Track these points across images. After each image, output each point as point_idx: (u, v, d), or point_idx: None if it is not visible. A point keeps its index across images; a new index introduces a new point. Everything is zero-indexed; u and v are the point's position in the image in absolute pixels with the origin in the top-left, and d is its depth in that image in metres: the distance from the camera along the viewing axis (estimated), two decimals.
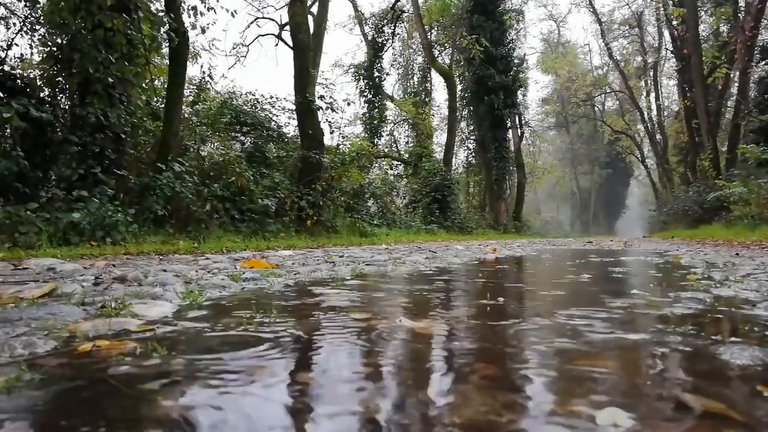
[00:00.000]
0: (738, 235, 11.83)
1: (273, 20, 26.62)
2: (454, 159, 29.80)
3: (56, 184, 7.45)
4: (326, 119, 14.01)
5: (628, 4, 33.68)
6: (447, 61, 29.08)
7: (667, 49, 33.49)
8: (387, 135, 30.11)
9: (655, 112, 36.82)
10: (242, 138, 13.95)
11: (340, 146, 15.73)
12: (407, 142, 29.97)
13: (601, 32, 35.84)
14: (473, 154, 32.06)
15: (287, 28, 19.07)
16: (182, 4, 9.48)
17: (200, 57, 15.45)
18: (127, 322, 1.47)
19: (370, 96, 27.95)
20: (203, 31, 9.94)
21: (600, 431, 0.72)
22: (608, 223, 59.05)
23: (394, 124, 30.76)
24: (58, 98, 8.22)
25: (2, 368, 1.01)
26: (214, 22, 30.05)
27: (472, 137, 31.57)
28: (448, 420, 0.76)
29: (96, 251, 5.63)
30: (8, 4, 9.33)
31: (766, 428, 0.74)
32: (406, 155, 27.58)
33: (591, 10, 36.19)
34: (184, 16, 9.51)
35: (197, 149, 11.45)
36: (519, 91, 29.98)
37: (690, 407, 0.81)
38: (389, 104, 29.64)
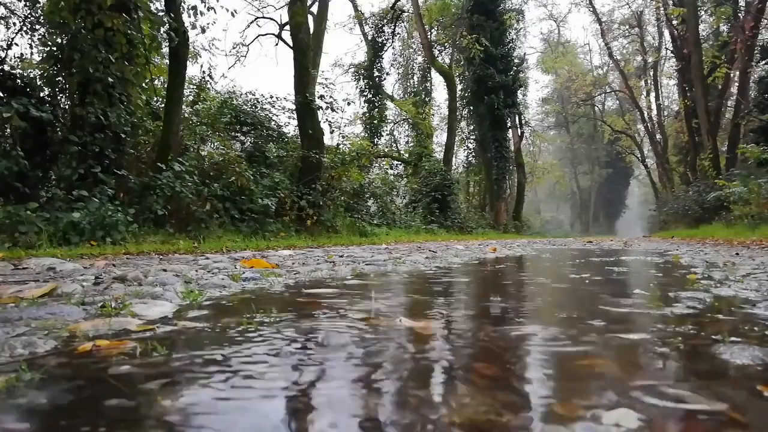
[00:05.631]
0: (738, 235, 11.84)
1: (273, 20, 26.58)
2: (454, 159, 29.81)
3: (56, 184, 7.45)
4: (326, 119, 14.03)
5: (628, 4, 33.68)
6: (447, 60, 29.08)
7: (667, 49, 33.52)
8: (387, 135, 30.14)
9: (655, 112, 36.86)
10: (242, 138, 13.94)
11: (340, 146, 15.72)
12: (407, 142, 29.97)
13: (601, 32, 35.82)
14: (473, 153, 32.04)
15: (287, 27, 19.05)
16: (182, 4, 9.48)
17: (200, 57, 15.49)
18: (127, 321, 1.47)
19: (370, 96, 27.95)
20: (203, 30, 9.95)
21: (602, 431, 0.72)
22: (608, 223, 59.01)
23: (394, 123, 30.77)
24: (58, 98, 8.21)
25: (2, 368, 1.01)
26: (214, 22, 30.03)
27: (472, 137, 31.55)
28: (446, 420, 0.76)
29: (96, 251, 5.63)
30: (8, 4, 9.34)
31: (766, 428, 0.74)
32: (406, 155, 27.57)
33: (591, 9, 36.19)
34: (184, 16, 9.52)
35: (197, 149, 11.44)
36: (519, 91, 29.96)
37: (690, 407, 0.81)
38: (389, 104, 29.64)
